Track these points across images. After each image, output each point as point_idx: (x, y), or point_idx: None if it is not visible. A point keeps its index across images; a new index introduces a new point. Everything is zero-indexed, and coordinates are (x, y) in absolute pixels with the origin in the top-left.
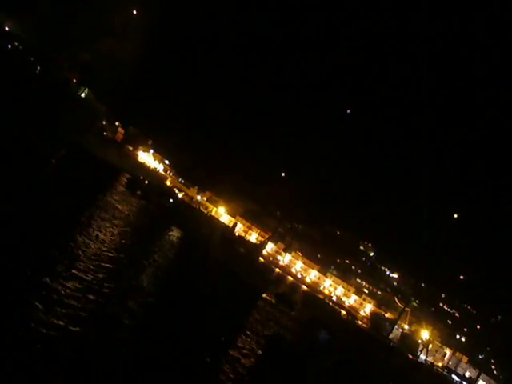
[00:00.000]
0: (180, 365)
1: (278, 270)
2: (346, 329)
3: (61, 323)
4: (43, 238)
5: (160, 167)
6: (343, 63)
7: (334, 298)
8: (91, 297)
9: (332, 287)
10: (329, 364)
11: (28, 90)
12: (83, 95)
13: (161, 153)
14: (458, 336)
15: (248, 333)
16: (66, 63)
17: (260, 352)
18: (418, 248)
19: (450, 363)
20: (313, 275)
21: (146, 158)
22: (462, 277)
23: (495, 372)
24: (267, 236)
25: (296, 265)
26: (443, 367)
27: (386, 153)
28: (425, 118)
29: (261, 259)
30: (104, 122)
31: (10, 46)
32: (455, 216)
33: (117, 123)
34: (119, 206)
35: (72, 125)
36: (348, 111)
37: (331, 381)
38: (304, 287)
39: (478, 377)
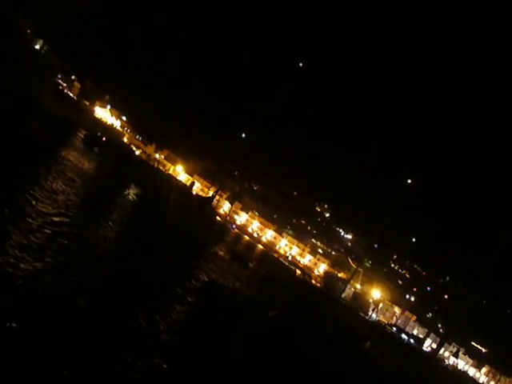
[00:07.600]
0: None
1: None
2: (300, 286)
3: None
4: None
5: (117, 123)
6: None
7: (290, 258)
8: (49, 252)
9: (287, 247)
10: (266, 316)
11: None
12: (37, 47)
13: (118, 109)
14: (407, 296)
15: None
16: (20, 12)
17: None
18: (372, 210)
19: (400, 322)
20: (269, 235)
21: (103, 113)
22: (413, 239)
23: (441, 330)
24: (214, 190)
25: (252, 224)
26: (391, 325)
27: (345, 115)
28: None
29: (218, 218)
30: (59, 76)
31: None
32: (408, 181)
33: (73, 77)
34: (77, 162)
35: (23, 77)
36: (300, 64)
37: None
38: (260, 246)
39: (427, 335)
